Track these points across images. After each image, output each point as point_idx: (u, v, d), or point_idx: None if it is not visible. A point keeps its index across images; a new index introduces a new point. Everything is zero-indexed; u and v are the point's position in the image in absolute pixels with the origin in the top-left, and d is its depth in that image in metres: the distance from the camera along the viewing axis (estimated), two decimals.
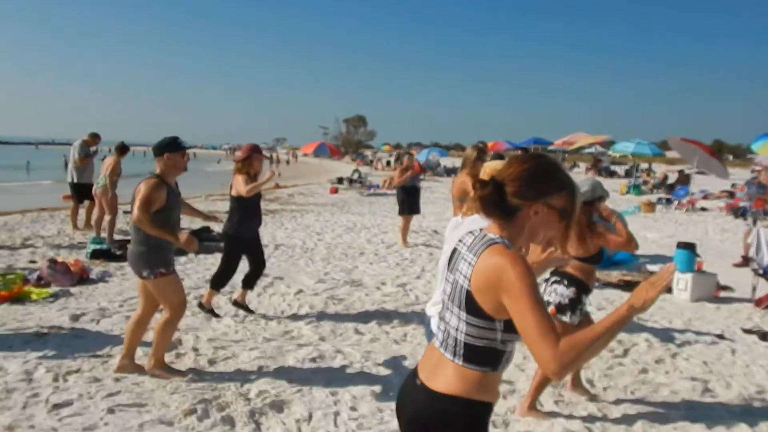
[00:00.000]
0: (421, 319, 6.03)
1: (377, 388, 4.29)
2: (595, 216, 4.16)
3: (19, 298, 6.08)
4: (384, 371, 4.65)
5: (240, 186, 5.75)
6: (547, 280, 4.15)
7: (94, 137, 10.97)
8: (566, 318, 3.99)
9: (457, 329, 1.77)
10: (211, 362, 4.68)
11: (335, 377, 4.48)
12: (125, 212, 11.16)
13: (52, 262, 6.99)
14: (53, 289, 6.59)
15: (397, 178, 10.86)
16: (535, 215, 1.78)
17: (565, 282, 4.01)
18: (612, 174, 38.41)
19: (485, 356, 1.75)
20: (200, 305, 5.94)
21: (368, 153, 64.49)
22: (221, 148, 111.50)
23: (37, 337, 5.05)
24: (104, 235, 9.68)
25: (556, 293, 4.02)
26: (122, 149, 10.33)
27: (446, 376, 1.79)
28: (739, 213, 16.02)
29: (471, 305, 1.73)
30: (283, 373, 4.53)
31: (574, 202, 1.81)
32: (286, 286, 7.28)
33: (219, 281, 5.95)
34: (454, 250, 1.89)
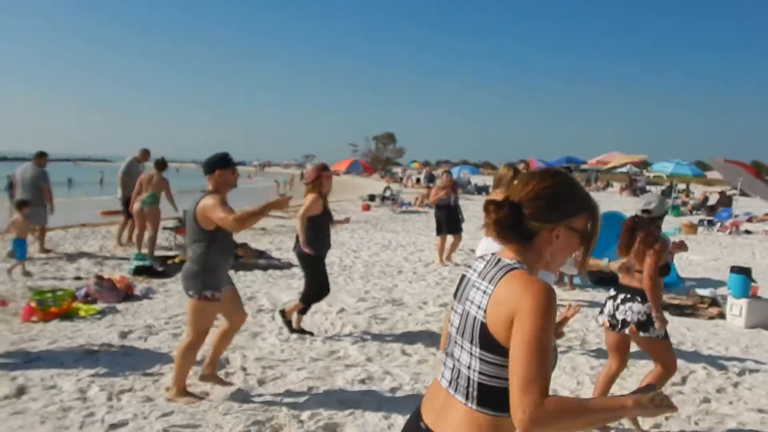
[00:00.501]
0: None
1: None
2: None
3: (68, 315, 6.15)
4: None
5: (314, 207, 5.80)
6: (613, 298, 4.04)
7: (145, 153, 11.13)
8: (650, 333, 3.87)
9: (469, 367, 1.57)
10: (261, 382, 4.65)
11: (386, 400, 4.41)
12: (165, 228, 11.28)
13: (99, 278, 7.07)
14: (100, 305, 6.66)
15: (433, 196, 10.80)
16: (557, 239, 1.63)
17: (639, 298, 3.91)
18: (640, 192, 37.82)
19: (503, 399, 1.51)
20: (290, 329, 5.99)
21: (398, 170, 64.58)
22: (251, 165, 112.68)
23: (88, 354, 5.08)
24: (145, 251, 9.79)
25: (632, 311, 3.91)
26: (162, 164, 10.47)
27: (456, 422, 1.58)
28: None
29: (486, 339, 1.54)
30: (333, 394, 4.47)
31: (597, 223, 1.67)
32: (328, 304, 7.23)
33: (310, 303, 6.01)
34: (462, 277, 1.74)
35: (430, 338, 6.01)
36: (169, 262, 9.22)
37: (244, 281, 8.41)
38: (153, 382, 4.53)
